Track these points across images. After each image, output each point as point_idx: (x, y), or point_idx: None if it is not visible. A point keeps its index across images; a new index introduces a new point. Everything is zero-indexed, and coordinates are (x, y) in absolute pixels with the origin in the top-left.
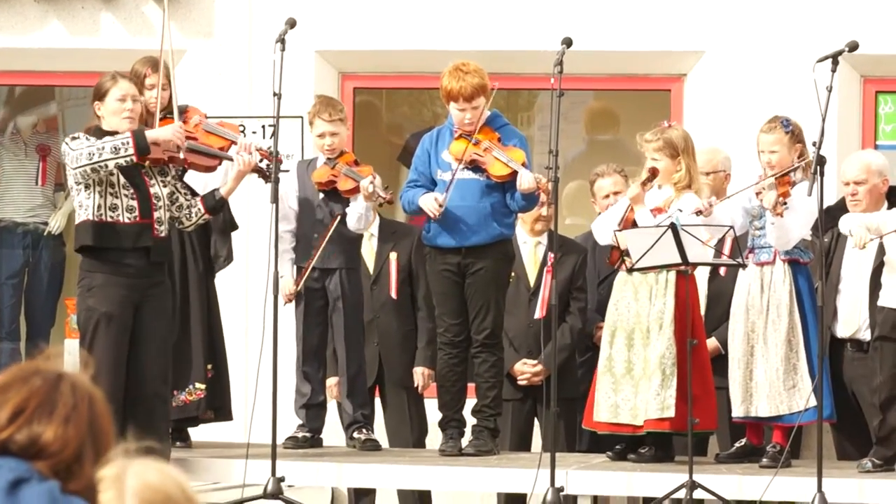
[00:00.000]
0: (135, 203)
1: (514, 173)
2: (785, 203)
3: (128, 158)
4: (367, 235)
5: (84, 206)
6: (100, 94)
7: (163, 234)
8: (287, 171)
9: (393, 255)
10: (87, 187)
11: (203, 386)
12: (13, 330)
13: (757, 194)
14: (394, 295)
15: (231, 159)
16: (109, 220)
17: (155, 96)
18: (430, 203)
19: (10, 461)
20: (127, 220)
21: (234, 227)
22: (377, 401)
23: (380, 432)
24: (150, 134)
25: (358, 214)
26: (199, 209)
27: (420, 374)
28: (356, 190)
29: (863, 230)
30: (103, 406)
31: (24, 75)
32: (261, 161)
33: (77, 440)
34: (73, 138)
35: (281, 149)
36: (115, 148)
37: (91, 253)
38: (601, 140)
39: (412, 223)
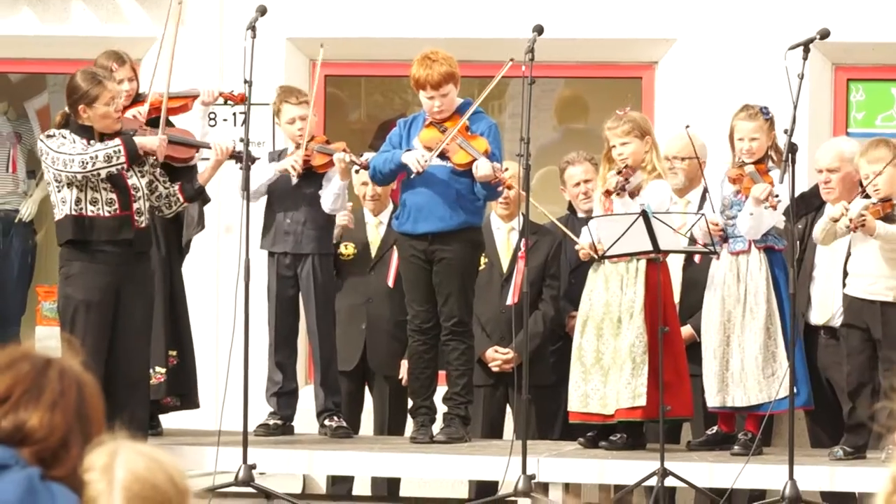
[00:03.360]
0: (114, 196)
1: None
2: (777, 195)
3: (119, 166)
4: (375, 222)
5: (66, 201)
6: (88, 99)
7: (143, 225)
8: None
9: None
10: (68, 185)
11: (163, 370)
12: None
13: (733, 181)
14: (390, 283)
15: (209, 147)
16: (90, 213)
17: (123, 90)
18: (413, 159)
19: None
20: (107, 214)
21: (207, 199)
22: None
23: (367, 417)
24: (139, 141)
25: (334, 195)
26: (178, 198)
27: (406, 366)
28: (330, 164)
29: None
30: (93, 392)
31: None
32: (235, 148)
33: (64, 427)
34: (50, 136)
35: (252, 136)
36: (108, 157)
37: (71, 243)
38: (572, 128)
39: None
